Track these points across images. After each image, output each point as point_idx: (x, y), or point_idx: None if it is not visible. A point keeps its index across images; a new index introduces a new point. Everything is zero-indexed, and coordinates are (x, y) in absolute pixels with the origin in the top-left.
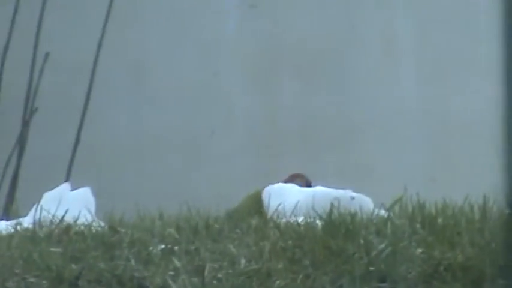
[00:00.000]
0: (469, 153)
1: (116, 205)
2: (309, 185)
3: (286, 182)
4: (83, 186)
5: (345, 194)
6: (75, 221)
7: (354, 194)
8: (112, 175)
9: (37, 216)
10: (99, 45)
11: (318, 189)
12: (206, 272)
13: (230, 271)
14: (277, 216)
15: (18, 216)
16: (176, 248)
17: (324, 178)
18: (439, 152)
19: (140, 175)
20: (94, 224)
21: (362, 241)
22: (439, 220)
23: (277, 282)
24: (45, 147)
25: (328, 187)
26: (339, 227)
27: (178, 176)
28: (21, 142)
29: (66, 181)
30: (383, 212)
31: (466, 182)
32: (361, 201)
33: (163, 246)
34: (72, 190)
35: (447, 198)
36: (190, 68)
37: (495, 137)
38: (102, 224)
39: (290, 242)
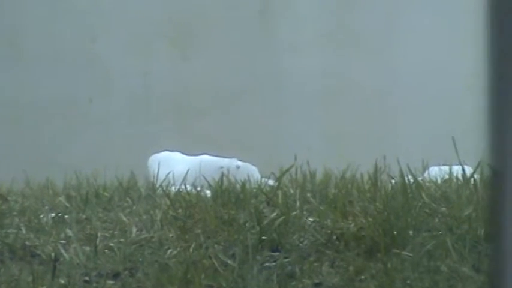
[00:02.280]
0: (359, 123)
1: None
2: None
3: None
4: None
5: (231, 162)
6: None
7: (239, 163)
8: None
9: None
10: None
11: (204, 158)
12: (98, 241)
13: (122, 240)
14: (166, 185)
15: None
16: (66, 216)
17: (201, 146)
18: (327, 120)
19: (18, 143)
20: None
21: (253, 210)
22: (330, 189)
23: (169, 251)
24: None
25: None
26: (229, 195)
27: (58, 143)
28: None
29: None
30: (271, 182)
31: (354, 151)
32: (247, 170)
33: (53, 214)
34: None
35: (336, 167)
36: (68, 33)
37: (387, 108)
38: None
39: (180, 210)
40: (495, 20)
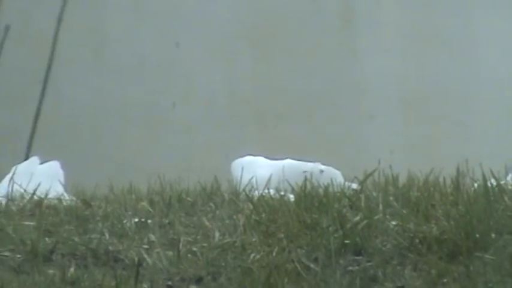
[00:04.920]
0: (442, 126)
1: (82, 178)
2: None
3: None
4: (45, 160)
5: (314, 166)
6: (46, 194)
7: (323, 167)
8: (74, 148)
9: (9, 190)
10: (60, 19)
11: (288, 162)
12: (181, 246)
13: (205, 244)
14: (249, 190)
15: None
16: (150, 221)
17: (284, 150)
18: (407, 125)
19: (103, 148)
20: (65, 197)
21: (336, 214)
22: (412, 193)
23: (252, 255)
24: (6, 120)
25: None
26: (312, 200)
27: (142, 149)
28: None
29: (26, 155)
30: (354, 186)
31: (437, 155)
32: (330, 174)
33: (136, 219)
34: (40, 164)
35: (419, 170)
36: (151, 38)
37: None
38: (73, 197)
39: (264, 215)
40: None
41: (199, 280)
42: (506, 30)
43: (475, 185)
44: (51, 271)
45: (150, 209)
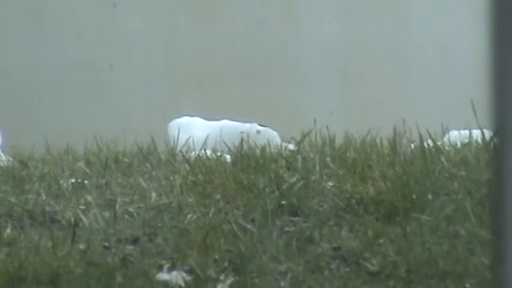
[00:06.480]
0: (380, 88)
1: (19, 140)
2: None
3: None
4: None
5: (251, 127)
6: None
7: (260, 128)
8: (11, 109)
9: None
10: None
11: (225, 123)
12: (117, 206)
13: (141, 205)
14: (186, 150)
15: None
16: (86, 182)
17: (222, 111)
18: (344, 87)
19: (41, 110)
20: (2, 158)
21: (272, 175)
22: (349, 154)
23: (189, 216)
24: None
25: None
26: (248, 160)
27: (79, 110)
28: None
29: None
30: (291, 146)
31: (374, 116)
32: (267, 135)
33: (73, 180)
34: None
35: (357, 131)
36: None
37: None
38: (10, 158)
39: (200, 176)
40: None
41: (135, 241)
42: None
43: (412, 145)
44: None
45: (87, 170)
